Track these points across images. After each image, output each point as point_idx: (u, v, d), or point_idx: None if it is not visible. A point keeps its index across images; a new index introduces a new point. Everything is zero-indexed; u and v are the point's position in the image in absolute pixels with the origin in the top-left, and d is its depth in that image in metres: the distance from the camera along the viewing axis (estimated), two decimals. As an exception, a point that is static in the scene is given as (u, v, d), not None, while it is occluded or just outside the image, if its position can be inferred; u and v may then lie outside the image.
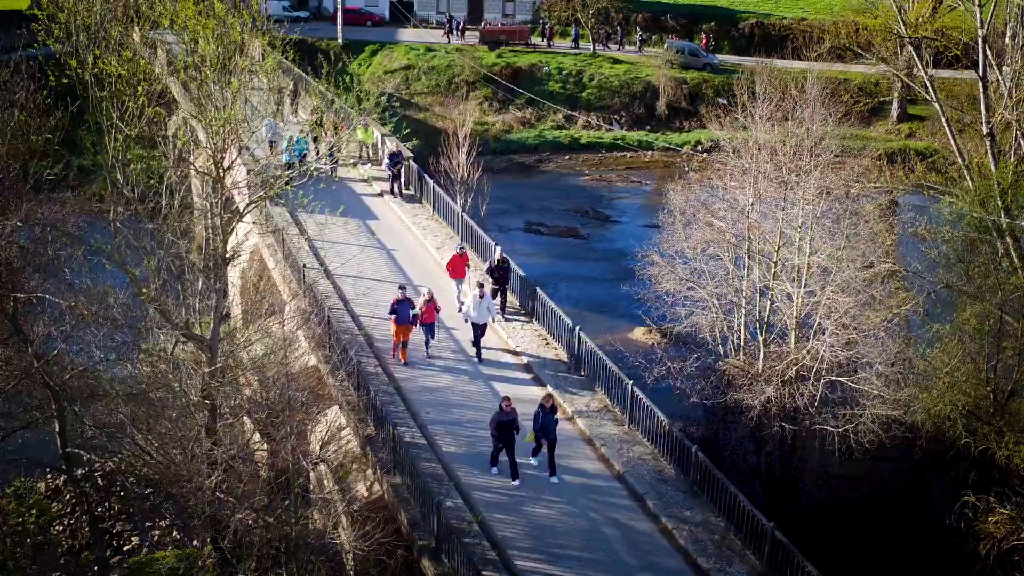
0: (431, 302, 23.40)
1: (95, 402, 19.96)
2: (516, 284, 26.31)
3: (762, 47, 70.30)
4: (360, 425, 21.53)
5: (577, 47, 69.23)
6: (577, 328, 23.19)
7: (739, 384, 25.61)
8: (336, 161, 34.06)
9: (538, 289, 25.19)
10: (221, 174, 18.74)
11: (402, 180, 34.14)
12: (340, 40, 69.01)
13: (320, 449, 23.74)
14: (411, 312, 23.16)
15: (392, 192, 34.03)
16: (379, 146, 37.80)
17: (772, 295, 25.23)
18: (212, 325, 20.91)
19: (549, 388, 22.51)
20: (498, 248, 26.15)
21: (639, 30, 71.03)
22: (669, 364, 25.30)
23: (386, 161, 34.03)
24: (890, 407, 23.69)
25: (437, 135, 56.41)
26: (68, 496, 27.55)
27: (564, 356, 24.00)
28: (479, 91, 62.83)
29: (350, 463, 23.12)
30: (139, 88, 17.48)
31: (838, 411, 24.39)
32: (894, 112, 63.05)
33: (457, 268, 26.01)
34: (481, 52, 66.34)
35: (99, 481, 27.70)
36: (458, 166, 31.32)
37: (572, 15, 69.90)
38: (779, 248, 24.93)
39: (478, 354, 23.96)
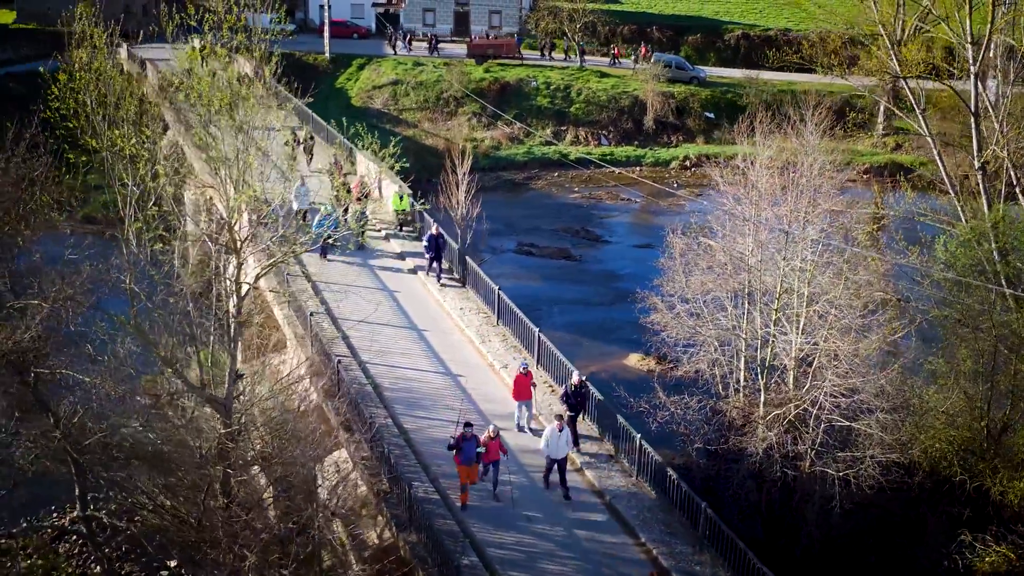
0: (496, 439, 21.11)
1: (113, 463, 20.23)
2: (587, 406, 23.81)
3: (748, 58, 71.09)
4: (374, 480, 21.79)
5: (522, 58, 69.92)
6: (671, 472, 21.02)
7: (740, 426, 26.05)
8: (364, 227, 31.97)
9: (619, 416, 22.73)
10: (238, 245, 19.01)
11: (442, 263, 31.32)
12: (328, 54, 69.07)
13: (328, 496, 24.06)
14: (477, 450, 20.86)
15: (435, 272, 31.11)
16: (410, 212, 35.21)
17: (773, 340, 25.67)
18: (227, 386, 21.17)
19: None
20: (575, 372, 23.41)
21: (577, 41, 71.08)
22: (672, 409, 25.69)
23: (424, 244, 31.20)
24: (889, 450, 24.20)
25: (427, 153, 56.85)
26: (75, 536, 27.73)
27: (650, 490, 21.71)
28: (467, 107, 63.10)
29: (359, 508, 23.45)
30: (157, 167, 17.68)
31: (838, 454, 24.86)
32: (879, 125, 63.83)
33: (522, 389, 23.29)
34: (469, 66, 66.60)
35: (104, 520, 27.90)
36: (457, 203, 31.53)
37: (559, 28, 70.30)
38: (780, 295, 25.36)
39: (565, 493, 21.44)
